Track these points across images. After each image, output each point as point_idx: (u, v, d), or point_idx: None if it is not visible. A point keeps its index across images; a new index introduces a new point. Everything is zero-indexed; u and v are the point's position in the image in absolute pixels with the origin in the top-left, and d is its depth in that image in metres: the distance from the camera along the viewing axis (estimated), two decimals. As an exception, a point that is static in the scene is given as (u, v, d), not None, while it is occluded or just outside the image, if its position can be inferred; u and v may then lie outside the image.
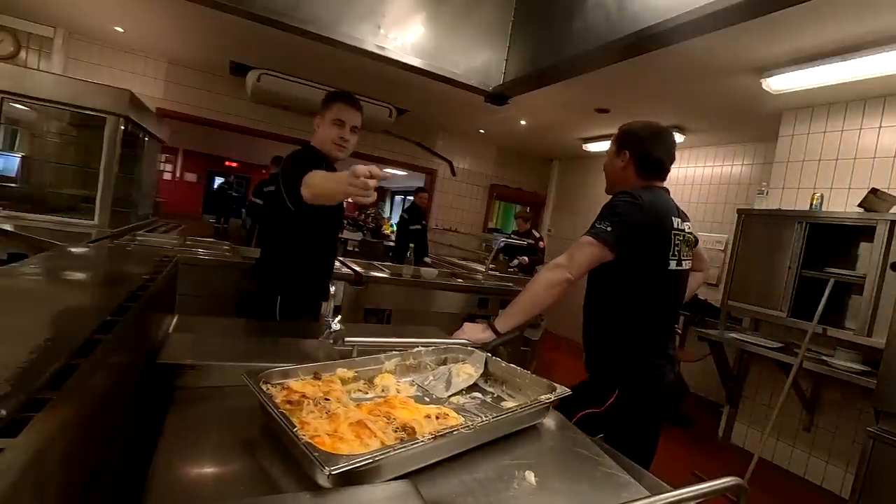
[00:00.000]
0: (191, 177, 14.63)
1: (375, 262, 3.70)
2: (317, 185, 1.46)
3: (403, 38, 2.03)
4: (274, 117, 5.40)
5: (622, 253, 1.35)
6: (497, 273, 4.27)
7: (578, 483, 0.81)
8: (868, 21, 2.28)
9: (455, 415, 0.88)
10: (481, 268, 4.16)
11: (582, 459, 0.89)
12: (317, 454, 0.62)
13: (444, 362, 1.21)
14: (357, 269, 3.11)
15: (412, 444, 0.69)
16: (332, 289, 1.43)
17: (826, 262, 2.97)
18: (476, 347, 1.27)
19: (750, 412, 3.57)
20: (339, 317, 1.25)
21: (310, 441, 0.66)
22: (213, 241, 3.47)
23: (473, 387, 1.12)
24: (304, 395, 0.82)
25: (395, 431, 0.76)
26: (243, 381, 0.81)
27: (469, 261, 5.23)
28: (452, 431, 0.75)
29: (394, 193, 15.61)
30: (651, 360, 1.42)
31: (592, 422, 1.32)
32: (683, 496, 0.65)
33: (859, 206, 2.78)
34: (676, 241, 1.42)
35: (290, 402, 0.79)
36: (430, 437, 0.72)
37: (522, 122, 5.26)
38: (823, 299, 2.74)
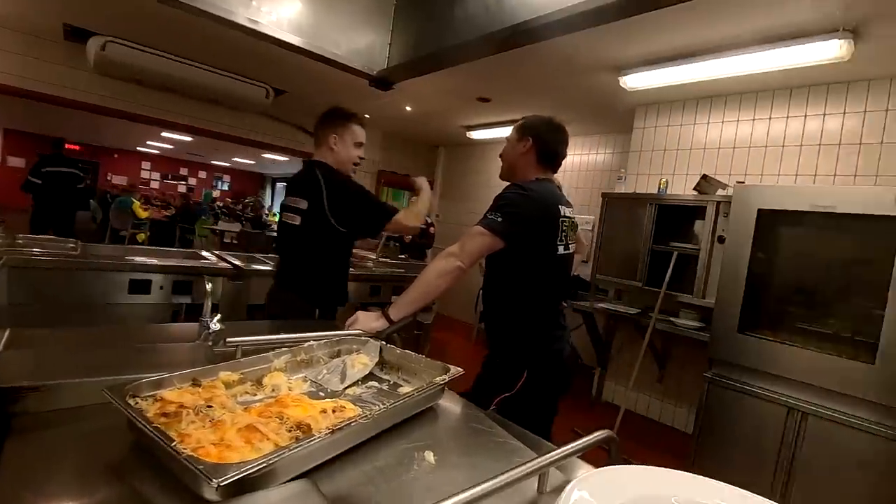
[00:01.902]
0: (16, 161, 12.19)
1: (258, 255, 3.46)
2: (408, 224, 1.95)
3: (279, 12, 1.90)
4: (125, 93, 4.70)
5: (512, 241, 1.44)
6: (388, 260, 4.27)
7: (474, 455, 0.86)
8: (703, 32, 2.67)
9: (352, 406, 0.87)
10: (372, 255, 4.12)
11: (477, 433, 0.94)
12: (201, 466, 0.57)
13: (338, 354, 1.19)
14: (236, 262, 2.89)
15: (308, 442, 0.67)
16: (209, 285, 1.31)
17: (671, 238, 3.46)
18: (370, 337, 1.27)
19: (616, 371, 4.07)
20: (219, 315, 1.16)
21: (192, 454, 0.60)
22: (53, 239, 2.96)
23: (369, 376, 1.12)
24: (181, 406, 0.74)
25: (290, 431, 0.73)
26: (106, 397, 0.71)
27: (358, 248, 5.15)
28: (350, 423, 0.74)
29: (275, 180, 14.69)
30: (551, 338, 1.55)
31: (507, 405, 1.40)
32: (565, 453, 0.72)
33: (694, 189, 3.27)
34: (563, 228, 1.54)
35: (165, 415, 0.72)
36: (327, 432, 0.70)
37: (408, 108, 5.27)
38: (670, 269, 3.20)
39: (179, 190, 12.91)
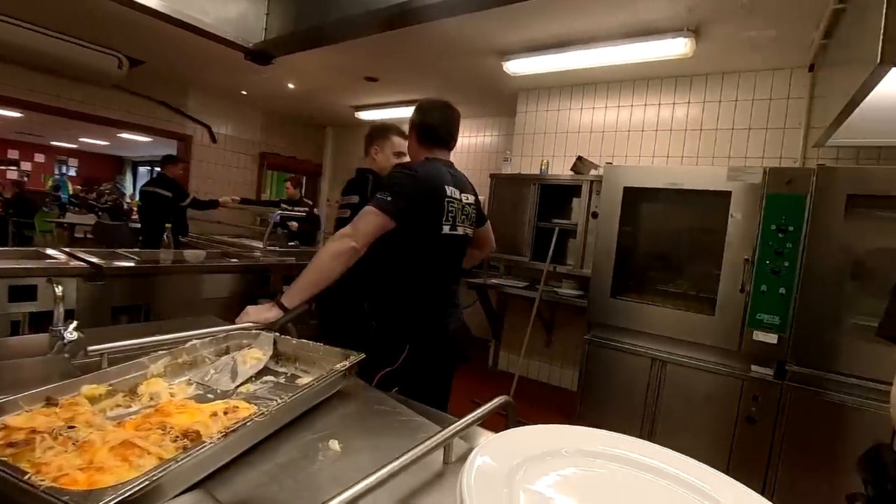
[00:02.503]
0: None
1: (119, 250, 3.05)
2: None
3: None
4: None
5: (402, 220, 1.45)
6: (277, 248, 4.04)
7: (380, 437, 0.86)
8: (576, 23, 2.88)
9: (247, 405, 0.82)
10: (259, 244, 3.87)
11: (381, 415, 0.95)
12: (66, 497, 0.50)
13: (227, 351, 1.11)
14: (93, 259, 2.52)
15: (198, 450, 0.62)
16: (59, 288, 1.13)
17: (553, 215, 3.74)
18: (262, 329, 1.20)
19: (510, 341, 4.34)
20: (75, 323, 1.01)
21: (53, 485, 0.52)
22: None
23: (264, 371, 1.06)
24: (33, 431, 0.64)
25: (175, 441, 0.67)
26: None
27: (243, 237, 4.80)
28: (246, 423, 0.70)
29: (136, 164, 12.93)
30: (434, 313, 1.59)
31: (390, 379, 1.42)
32: (466, 422, 0.76)
33: (571, 169, 3.56)
34: (450, 208, 1.57)
35: (11, 445, 0.61)
36: (219, 436, 0.65)
37: (290, 86, 4.95)
38: (552, 244, 3.47)
39: (10, 177, 10.77)
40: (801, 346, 2.28)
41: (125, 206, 7.68)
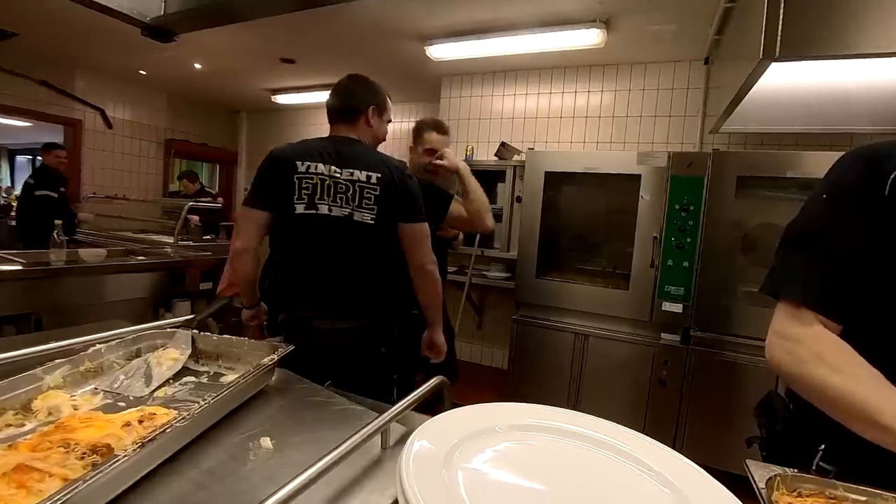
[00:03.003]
0: None
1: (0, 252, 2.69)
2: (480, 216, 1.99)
3: None
4: None
5: (263, 207, 1.44)
6: (191, 242, 3.77)
7: (315, 430, 0.84)
8: (496, 10, 2.92)
9: (165, 410, 0.76)
10: (169, 239, 3.58)
11: (315, 406, 0.93)
12: None
13: (139, 354, 1.02)
14: None
15: (110, 466, 0.56)
16: None
17: (480, 200, 3.82)
18: (178, 327, 1.11)
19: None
20: None
21: None
22: None
23: (183, 372, 0.99)
24: None
25: (83, 458, 0.61)
26: None
27: (150, 233, 4.41)
28: (165, 430, 0.65)
29: (14, 152, 11.32)
30: (299, 305, 1.47)
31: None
32: (402, 407, 0.76)
33: (495, 155, 3.64)
34: (304, 185, 1.42)
35: None
36: (134, 447, 0.60)
37: (198, 66, 4.58)
38: (480, 229, 3.54)
39: None
40: (701, 314, 2.53)
41: (2, 202, 6.75)
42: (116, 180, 5.38)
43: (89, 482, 0.53)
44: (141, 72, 4.98)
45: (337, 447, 0.62)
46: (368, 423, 0.70)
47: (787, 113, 2.40)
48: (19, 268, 2.31)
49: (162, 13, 1.90)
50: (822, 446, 0.79)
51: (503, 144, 3.60)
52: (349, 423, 0.85)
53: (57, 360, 0.86)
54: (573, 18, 2.94)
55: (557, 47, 3.21)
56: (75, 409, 0.79)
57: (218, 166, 6.81)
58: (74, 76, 4.90)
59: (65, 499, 0.50)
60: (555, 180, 2.95)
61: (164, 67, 4.68)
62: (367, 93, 1.64)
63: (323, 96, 5.09)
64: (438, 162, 1.91)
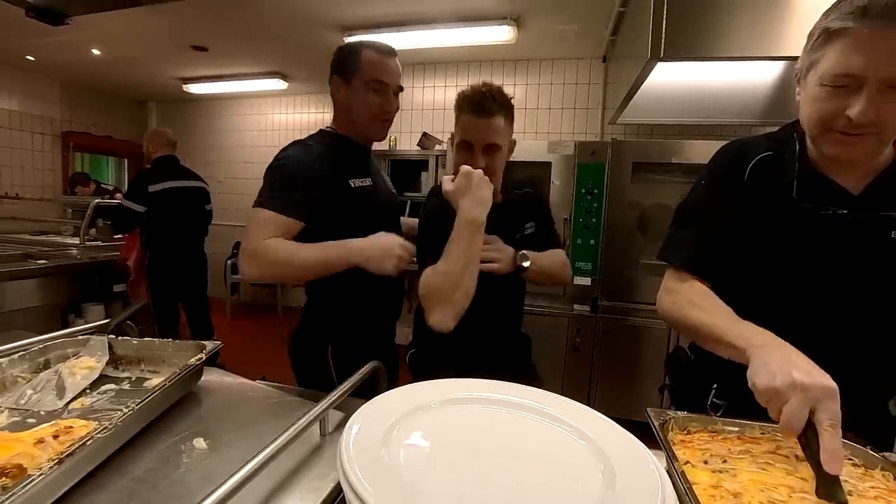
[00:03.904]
0: None
1: None
2: None
3: None
4: None
5: None
6: (100, 242, 3.39)
7: (251, 425, 0.80)
8: (414, 5, 2.88)
9: (83, 422, 0.69)
10: (74, 240, 3.20)
11: (250, 402, 0.89)
12: None
13: (48, 365, 0.91)
14: None
15: (23, 488, 0.50)
16: None
17: (405, 189, 3.80)
18: (90, 333, 1.00)
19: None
20: None
21: None
22: None
23: (101, 380, 0.90)
24: None
25: (-9, 481, 0.54)
26: None
27: (51, 234, 3.90)
28: (85, 443, 0.59)
29: None
30: None
31: None
32: (338, 393, 0.75)
33: (418, 145, 3.64)
34: None
35: None
36: (50, 465, 0.54)
37: (96, 52, 4.07)
38: (405, 215, 3.52)
39: None
40: (607, 285, 2.74)
41: None
42: (5, 178, 4.67)
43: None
44: (29, 57, 4.32)
45: (275, 439, 0.60)
46: (306, 413, 0.68)
47: (672, 107, 2.64)
48: None
49: None
50: (715, 385, 0.92)
51: (425, 135, 3.60)
52: (287, 415, 0.82)
53: None
54: (486, 15, 2.99)
55: (473, 42, 3.25)
56: None
57: (126, 160, 6.15)
58: None
59: None
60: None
61: (57, 53, 4.10)
62: (330, 65, 1.30)
63: (240, 86, 4.81)
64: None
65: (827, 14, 0.72)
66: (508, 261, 1.16)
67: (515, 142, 1.30)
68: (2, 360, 0.84)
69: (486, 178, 1.08)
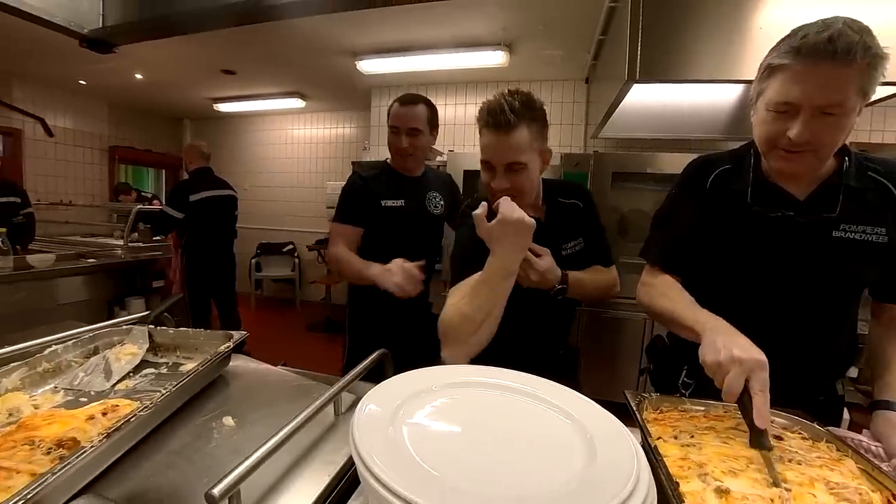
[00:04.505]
0: None
1: None
2: None
3: None
4: None
5: None
6: (141, 244, 3.39)
7: (273, 405, 0.81)
8: (417, 32, 2.89)
9: (128, 402, 0.70)
10: (118, 242, 3.21)
11: (272, 385, 0.89)
12: None
13: (96, 351, 0.92)
14: None
15: (76, 458, 0.51)
16: None
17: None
18: (134, 323, 1.01)
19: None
20: None
21: None
22: None
23: (143, 365, 0.91)
24: None
25: (49, 453, 0.54)
26: None
27: (99, 236, 3.91)
28: (129, 420, 0.60)
29: None
30: None
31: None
32: (348, 378, 0.75)
33: (423, 157, 3.64)
34: None
35: None
36: (100, 438, 0.55)
37: (139, 76, 4.09)
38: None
39: None
40: (590, 282, 2.73)
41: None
42: (60, 187, 4.70)
43: (58, 474, 0.48)
44: (81, 81, 4.35)
45: (294, 418, 0.60)
46: (322, 395, 0.69)
47: (646, 123, 2.63)
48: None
49: (100, 25, 1.65)
50: (686, 366, 0.95)
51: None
52: (305, 396, 0.82)
53: (12, 364, 0.76)
54: (482, 41, 2.99)
55: (470, 65, 3.25)
56: (36, 408, 0.70)
57: (164, 171, 6.17)
58: (11, 86, 4.18)
59: (33, 493, 0.45)
60: (472, 177, 3.01)
61: (105, 77, 4.12)
62: None
63: (263, 104, 4.81)
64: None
65: (771, 52, 0.76)
66: (548, 282, 0.96)
67: (551, 152, 1.05)
68: (58, 346, 0.85)
69: (526, 222, 0.84)
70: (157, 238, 3.83)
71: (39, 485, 0.46)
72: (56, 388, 0.79)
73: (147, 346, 0.94)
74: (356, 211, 1.43)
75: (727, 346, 0.65)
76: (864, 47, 0.66)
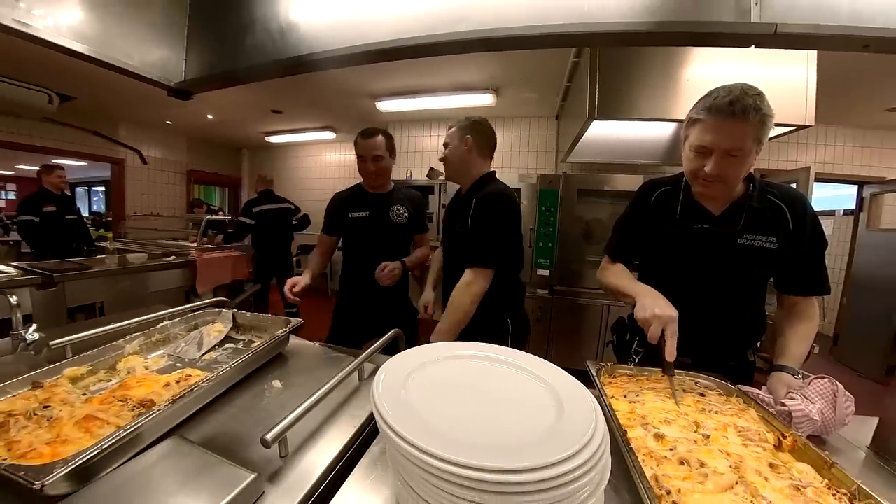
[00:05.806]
0: None
1: (67, 259, 2.28)
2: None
3: (55, 18, 1.12)
4: None
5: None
6: (209, 246, 3.41)
7: (312, 372, 0.81)
8: (422, 79, 2.88)
9: (199, 373, 0.70)
10: (192, 244, 3.22)
11: (314, 358, 0.90)
12: (22, 473, 0.38)
13: (196, 327, 0.93)
14: (44, 269, 1.85)
15: (148, 418, 0.50)
16: (13, 298, 0.82)
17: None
18: (224, 307, 1.02)
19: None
20: (34, 325, 0.75)
21: (16, 462, 0.40)
22: None
23: (227, 339, 0.91)
24: (9, 415, 0.48)
25: (133, 410, 0.55)
26: None
27: (179, 240, 3.93)
28: (193, 389, 0.59)
29: (73, 185, 9.17)
30: None
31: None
32: (370, 351, 0.76)
33: (426, 176, 3.63)
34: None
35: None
36: (167, 402, 0.54)
37: (209, 116, 4.11)
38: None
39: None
40: (561, 275, 2.72)
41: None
42: (151, 202, 4.77)
43: (133, 427, 0.48)
44: (167, 122, 4.40)
45: (327, 382, 0.61)
46: (348, 364, 0.69)
47: (603, 151, 2.62)
48: (82, 270, 1.98)
49: (183, 79, 1.65)
50: (637, 338, 1.00)
51: (431, 169, 3.60)
52: (336, 366, 0.83)
53: (135, 334, 0.79)
54: (474, 87, 2.98)
55: (465, 105, 3.25)
56: (146, 368, 0.71)
57: (227, 189, 6.21)
58: (118, 126, 4.27)
59: (110, 443, 0.45)
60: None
61: (185, 118, 4.16)
62: None
63: (303, 137, 4.81)
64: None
65: (693, 107, 0.81)
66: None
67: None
68: (168, 322, 0.88)
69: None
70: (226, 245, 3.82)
71: (115, 438, 0.45)
72: (164, 353, 0.80)
73: (231, 325, 0.95)
74: (330, 223, 1.44)
75: (651, 306, 0.73)
76: (756, 108, 0.72)
